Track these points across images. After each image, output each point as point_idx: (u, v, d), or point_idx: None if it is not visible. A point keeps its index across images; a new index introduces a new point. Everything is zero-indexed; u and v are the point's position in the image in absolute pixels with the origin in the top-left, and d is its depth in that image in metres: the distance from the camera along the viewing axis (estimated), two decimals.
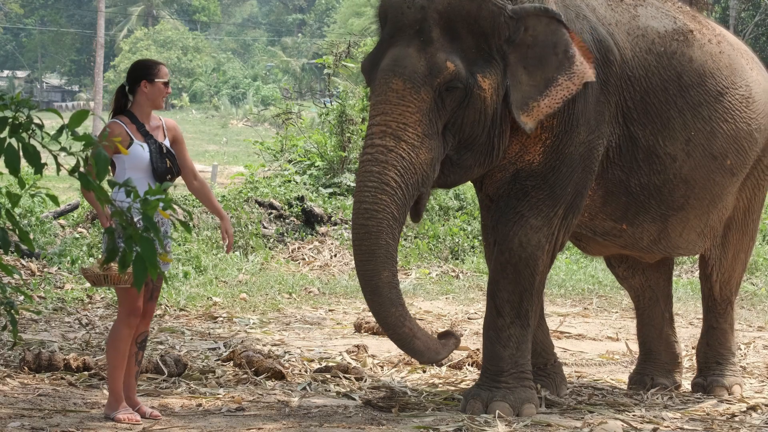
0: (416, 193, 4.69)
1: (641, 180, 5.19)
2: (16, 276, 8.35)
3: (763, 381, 6.23)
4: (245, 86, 48.17)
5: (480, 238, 11.06)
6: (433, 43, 4.68)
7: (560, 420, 4.88)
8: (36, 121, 2.66)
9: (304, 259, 10.77)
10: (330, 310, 8.42)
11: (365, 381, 5.68)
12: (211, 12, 57.88)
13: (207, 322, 7.65)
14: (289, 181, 12.63)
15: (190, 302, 8.21)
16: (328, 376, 5.74)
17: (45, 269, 8.92)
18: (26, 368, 5.54)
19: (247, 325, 7.58)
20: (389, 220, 4.59)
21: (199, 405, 5.01)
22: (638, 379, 5.88)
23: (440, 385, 5.68)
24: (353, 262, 5.35)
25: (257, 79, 49.34)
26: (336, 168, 12.99)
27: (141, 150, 4.58)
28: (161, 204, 2.68)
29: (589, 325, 8.25)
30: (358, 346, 6.49)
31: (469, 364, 6.16)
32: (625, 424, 4.78)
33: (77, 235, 9.87)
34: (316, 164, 13.22)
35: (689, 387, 5.91)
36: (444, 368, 6.12)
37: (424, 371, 6.06)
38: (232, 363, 5.92)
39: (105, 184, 2.72)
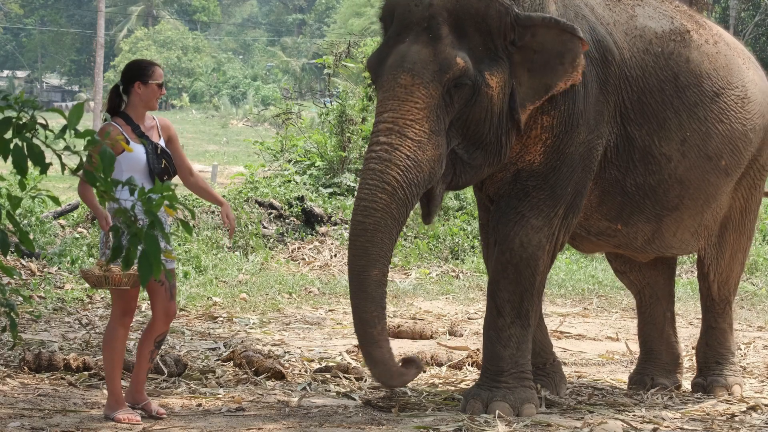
0: (422, 190, 4.69)
1: (637, 180, 5.20)
2: (15, 276, 8.36)
3: (763, 381, 6.23)
4: (245, 86, 48.18)
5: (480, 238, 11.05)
6: (441, 39, 4.68)
7: (560, 420, 4.88)
8: (40, 120, 2.66)
9: (304, 259, 10.77)
10: (330, 310, 8.43)
11: (365, 381, 5.68)
12: (211, 12, 57.91)
13: (207, 322, 7.65)
14: (289, 181, 12.63)
15: (190, 302, 8.21)
16: (328, 376, 5.74)
17: (45, 269, 8.92)
18: (26, 368, 5.54)
19: (247, 325, 7.58)
20: (387, 219, 4.59)
21: (199, 405, 5.01)
22: (638, 379, 5.88)
23: (440, 385, 5.68)
24: None
25: (257, 79, 49.36)
26: (336, 168, 12.99)
27: (137, 151, 4.58)
28: (165, 202, 2.68)
29: (589, 325, 8.25)
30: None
31: (469, 364, 6.16)
32: (625, 424, 4.78)
33: (77, 235, 9.88)
34: (316, 164, 13.22)
35: (689, 387, 5.91)
36: (444, 368, 6.13)
37: (424, 371, 6.06)
38: (232, 363, 5.92)
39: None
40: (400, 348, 6.76)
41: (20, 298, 7.24)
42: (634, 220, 5.30)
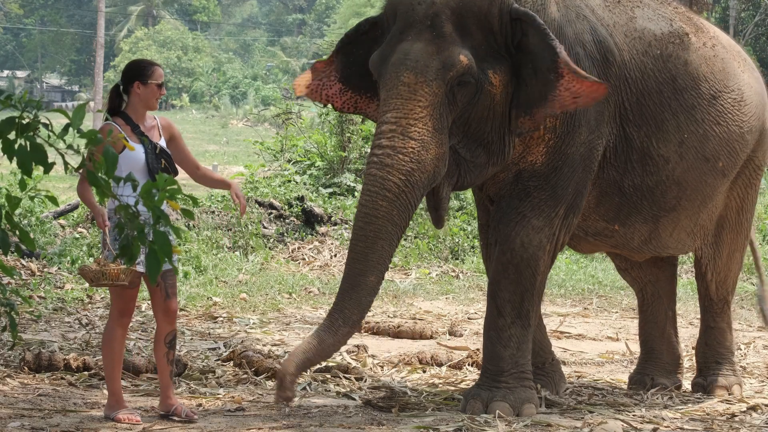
0: (426, 190, 4.68)
1: (634, 181, 5.20)
2: (15, 277, 8.36)
3: (763, 381, 6.24)
4: (245, 86, 48.17)
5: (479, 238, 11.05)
6: (445, 37, 4.67)
7: (560, 420, 4.88)
8: (43, 120, 2.66)
9: (304, 259, 10.77)
10: None
11: (365, 381, 5.68)
12: (211, 12, 57.90)
13: (207, 322, 7.65)
14: (289, 181, 12.63)
15: (190, 302, 8.21)
16: (328, 376, 5.74)
17: (45, 269, 8.92)
18: (26, 368, 5.54)
19: (247, 325, 7.58)
20: (388, 226, 4.59)
21: (199, 405, 5.01)
22: (639, 378, 5.89)
23: (440, 385, 5.68)
24: None
25: (257, 79, 49.35)
26: (336, 168, 12.99)
27: (137, 151, 4.58)
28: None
29: (589, 325, 8.25)
30: (358, 346, 6.49)
31: (469, 364, 6.16)
32: (625, 424, 4.78)
33: (77, 235, 9.88)
34: (316, 164, 13.22)
35: (689, 387, 5.91)
36: (444, 368, 6.13)
37: (424, 371, 6.06)
38: (232, 363, 5.92)
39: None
40: (400, 348, 6.77)
41: (20, 299, 7.25)
42: (632, 221, 5.30)
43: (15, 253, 8.99)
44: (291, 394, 4.49)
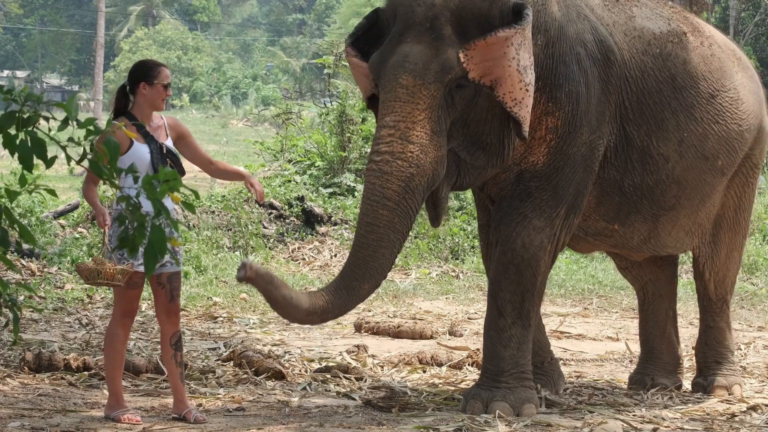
0: (426, 194, 4.69)
1: (635, 180, 5.21)
2: (16, 275, 8.36)
3: (763, 381, 6.23)
4: (245, 86, 48.17)
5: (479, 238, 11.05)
6: (444, 39, 4.66)
7: (560, 420, 4.88)
8: (44, 114, 2.66)
9: (304, 259, 10.78)
10: None
11: (365, 381, 5.68)
12: (211, 12, 57.88)
13: (207, 322, 7.65)
14: (289, 181, 12.63)
15: (190, 302, 8.22)
16: (328, 376, 5.74)
17: (45, 269, 8.92)
18: (26, 368, 5.54)
19: (247, 325, 7.58)
20: (390, 234, 4.60)
21: (199, 405, 5.01)
22: (639, 378, 5.88)
23: (440, 385, 5.68)
24: None
25: (257, 79, 49.35)
26: (336, 168, 12.99)
27: (141, 151, 4.57)
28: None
29: (589, 325, 8.25)
30: (358, 346, 6.49)
31: (469, 364, 6.16)
32: (625, 424, 4.78)
33: (77, 235, 9.88)
34: (316, 164, 13.22)
35: (689, 387, 5.91)
36: (444, 368, 6.13)
37: (424, 371, 6.06)
38: (232, 363, 5.92)
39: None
40: (400, 348, 6.77)
41: (26, 292, 7.26)
42: (631, 220, 5.31)
43: (15, 253, 8.99)
44: (246, 273, 4.41)
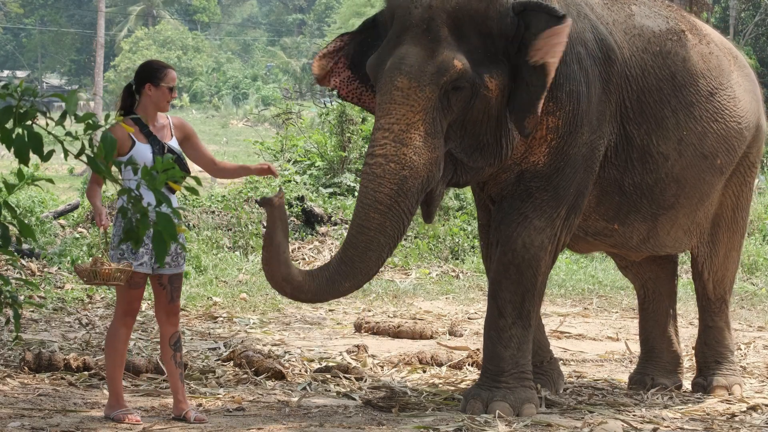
0: (421, 196, 4.69)
1: (634, 179, 5.21)
2: (19, 272, 8.35)
3: (763, 381, 6.23)
4: (245, 86, 48.16)
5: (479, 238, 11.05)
6: (440, 41, 4.67)
7: (560, 420, 4.88)
8: (42, 110, 2.65)
9: (304, 259, 10.77)
10: (330, 310, 8.42)
11: (365, 381, 5.68)
12: (211, 12, 57.86)
13: (207, 322, 7.65)
14: (289, 181, 12.63)
15: (190, 302, 8.21)
16: (328, 376, 5.74)
17: (45, 269, 8.92)
18: (26, 368, 5.54)
19: (247, 325, 7.58)
20: (380, 237, 4.63)
21: (199, 405, 5.01)
22: (639, 378, 5.88)
23: (440, 385, 5.68)
24: None
25: (257, 79, 49.34)
26: (336, 168, 12.99)
27: (144, 151, 4.57)
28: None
29: (589, 325, 8.24)
30: (358, 346, 6.49)
31: (469, 364, 6.15)
32: (625, 424, 4.78)
33: (77, 235, 9.88)
34: (316, 164, 13.22)
35: (689, 387, 5.91)
36: (444, 368, 6.13)
37: (424, 371, 6.06)
38: (232, 363, 5.92)
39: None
40: (400, 348, 6.77)
41: (26, 291, 7.25)
42: (631, 220, 5.31)
43: (15, 253, 8.99)
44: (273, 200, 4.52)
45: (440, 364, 6.20)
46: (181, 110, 45.69)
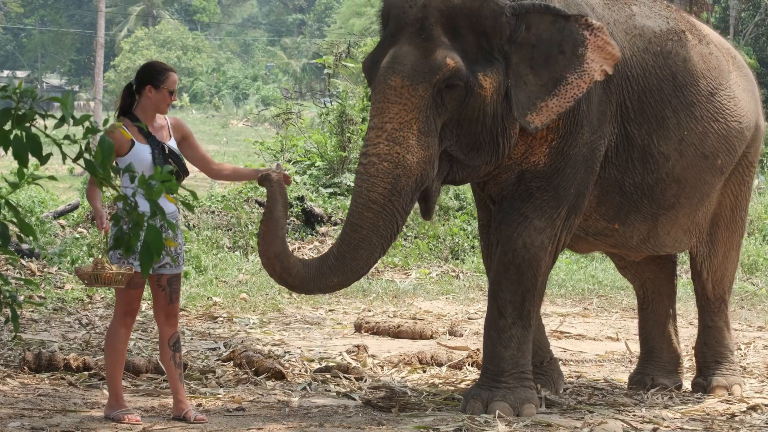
0: (415, 194, 4.69)
1: (635, 179, 5.21)
2: (19, 272, 8.35)
3: (763, 381, 6.23)
4: (245, 86, 48.17)
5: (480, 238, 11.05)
6: (434, 40, 4.68)
7: (560, 420, 4.88)
8: (41, 112, 2.65)
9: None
10: (330, 310, 8.43)
11: (365, 381, 5.68)
12: (211, 12, 57.86)
13: (207, 322, 7.65)
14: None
15: (190, 302, 8.21)
16: (328, 376, 5.74)
17: (45, 269, 8.92)
18: (26, 368, 5.54)
19: (247, 325, 7.58)
20: (372, 237, 4.64)
21: (199, 405, 5.01)
22: (639, 378, 5.88)
23: (440, 385, 5.68)
24: None
25: (257, 79, 49.34)
26: (336, 168, 12.99)
27: (143, 152, 4.57)
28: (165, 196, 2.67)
29: (589, 325, 8.25)
30: (358, 346, 6.49)
31: (469, 364, 6.15)
32: (625, 424, 4.78)
33: (77, 235, 9.87)
34: (316, 164, 13.22)
35: (689, 387, 5.91)
36: (444, 368, 6.13)
37: (424, 371, 6.06)
38: (232, 363, 5.92)
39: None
40: (400, 348, 6.77)
41: (26, 291, 7.24)
42: (631, 220, 5.31)
43: (15, 253, 8.99)
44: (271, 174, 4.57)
45: (440, 364, 6.20)
46: (181, 110, 45.68)
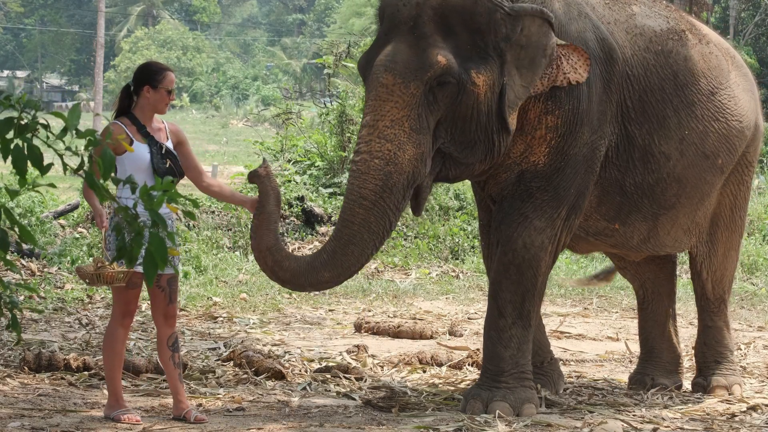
0: (408, 191, 4.70)
1: (636, 179, 5.21)
2: (16, 276, 8.35)
3: (763, 381, 6.23)
4: (245, 86, 48.18)
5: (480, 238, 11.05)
6: (426, 38, 4.69)
7: (560, 420, 4.88)
8: (41, 122, 2.65)
9: None
10: (330, 310, 8.43)
11: (365, 381, 5.68)
12: (211, 12, 57.87)
13: (207, 322, 7.65)
14: (289, 181, 12.62)
15: (190, 302, 8.21)
16: (328, 376, 5.74)
17: (45, 269, 8.92)
18: (26, 368, 5.54)
19: (247, 325, 7.58)
20: (364, 233, 4.64)
21: (199, 405, 5.01)
22: (639, 378, 5.88)
23: (440, 385, 5.68)
24: None
25: (257, 79, 49.35)
26: (336, 168, 12.98)
27: (141, 151, 4.57)
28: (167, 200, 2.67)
29: (589, 325, 8.25)
30: (358, 346, 6.49)
31: (469, 364, 6.15)
32: (625, 424, 4.78)
33: (77, 235, 9.87)
34: (316, 164, 13.21)
35: (689, 387, 5.91)
36: (444, 368, 6.13)
37: (424, 371, 6.06)
38: (232, 363, 5.92)
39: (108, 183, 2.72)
40: (400, 348, 6.77)
41: (26, 292, 7.24)
42: (632, 220, 5.31)
43: (15, 253, 8.99)
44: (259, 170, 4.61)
45: (440, 364, 6.20)
46: (181, 110, 45.70)
